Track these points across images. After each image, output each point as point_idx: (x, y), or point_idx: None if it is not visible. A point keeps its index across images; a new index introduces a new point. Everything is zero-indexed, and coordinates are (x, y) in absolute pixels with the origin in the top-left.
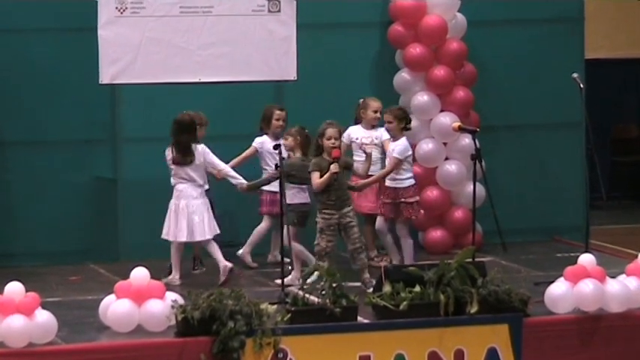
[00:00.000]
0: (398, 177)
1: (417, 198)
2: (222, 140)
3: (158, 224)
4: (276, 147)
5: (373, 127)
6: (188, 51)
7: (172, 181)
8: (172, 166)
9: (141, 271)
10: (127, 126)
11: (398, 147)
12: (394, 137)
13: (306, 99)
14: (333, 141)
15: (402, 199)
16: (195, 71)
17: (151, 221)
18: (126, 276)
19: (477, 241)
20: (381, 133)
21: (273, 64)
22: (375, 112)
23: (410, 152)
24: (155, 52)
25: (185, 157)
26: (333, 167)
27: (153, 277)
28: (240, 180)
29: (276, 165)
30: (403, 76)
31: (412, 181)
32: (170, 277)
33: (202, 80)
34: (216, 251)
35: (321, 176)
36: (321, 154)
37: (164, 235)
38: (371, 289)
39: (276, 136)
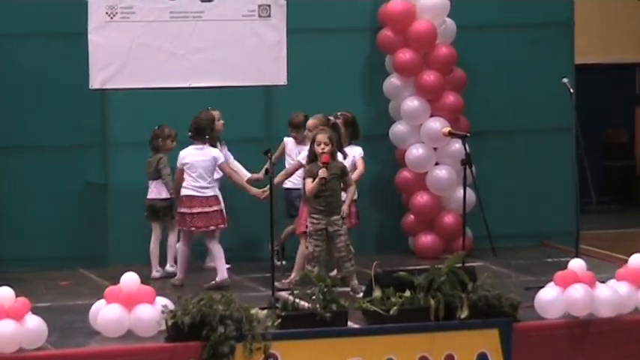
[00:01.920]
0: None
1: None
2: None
3: (148, 229)
4: (266, 152)
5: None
6: (178, 56)
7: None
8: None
9: (131, 276)
10: (117, 131)
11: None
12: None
13: (296, 104)
14: (322, 146)
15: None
16: (185, 76)
17: (141, 226)
18: (116, 281)
19: (467, 246)
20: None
21: (264, 69)
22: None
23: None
24: (145, 57)
25: None
26: (322, 172)
27: (143, 282)
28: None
29: (266, 170)
30: (393, 81)
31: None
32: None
33: (192, 85)
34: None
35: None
36: (315, 160)
37: None
38: (360, 294)
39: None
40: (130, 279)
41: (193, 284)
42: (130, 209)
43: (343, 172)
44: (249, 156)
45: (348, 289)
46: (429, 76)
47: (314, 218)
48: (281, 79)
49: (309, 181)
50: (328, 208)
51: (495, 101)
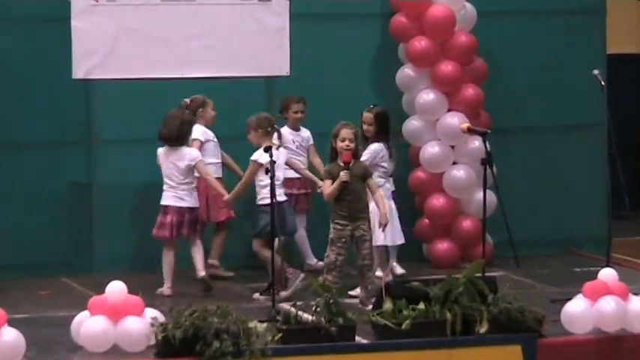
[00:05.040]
0: None
1: None
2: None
3: (137, 234)
4: (267, 149)
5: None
6: (170, 43)
7: (379, 180)
8: (384, 162)
9: (117, 285)
10: (104, 126)
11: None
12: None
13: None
14: (347, 143)
15: None
16: (178, 66)
17: (129, 231)
18: (101, 290)
19: (487, 253)
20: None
21: (264, 58)
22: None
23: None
24: (134, 44)
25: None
26: (343, 175)
27: (131, 292)
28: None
29: (267, 169)
30: (406, 72)
31: None
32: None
33: (186, 76)
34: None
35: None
36: (335, 159)
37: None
38: (369, 307)
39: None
40: (116, 288)
41: (186, 293)
42: (117, 212)
43: (366, 173)
44: (247, 153)
45: (355, 300)
46: (447, 67)
47: (338, 224)
48: (283, 69)
49: (327, 182)
50: (352, 212)
51: (519, 95)
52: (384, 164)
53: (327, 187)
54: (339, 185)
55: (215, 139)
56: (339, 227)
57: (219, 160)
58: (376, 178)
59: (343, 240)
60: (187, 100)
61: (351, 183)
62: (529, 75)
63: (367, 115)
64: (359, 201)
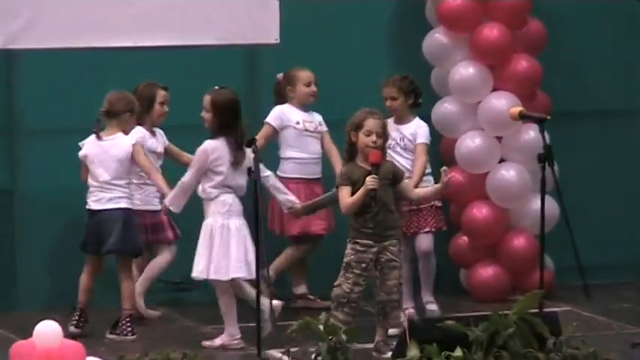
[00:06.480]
0: None
1: None
2: (174, 132)
3: (76, 258)
4: (250, 143)
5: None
6: (120, 2)
7: (212, 191)
8: (222, 168)
9: (49, 326)
10: (30, 113)
11: (421, 129)
12: (400, 119)
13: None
14: (374, 138)
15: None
16: (130, 32)
17: (64, 253)
18: (27, 333)
19: (546, 282)
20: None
21: (246, 21)
22: (309, 85)
23: None
24: (70, 4)
25: (240, 153)
26: (370, 181)
27: (68, 335)
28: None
29: (249, 170)
30: (437, 38)
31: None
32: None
33: (140, 45)
34: None
35: (354, 192)
36: (354, 158)
37: (198, 274)
38: (388, 355)
39: None
40: (48, 330)
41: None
42: (48, 228)
43: (396, 178)
44: None
45: (370, 345)
46: (491, 31)
47: (358, 244)
48: (271, 36)
49: (346, 190)
50: (379, 229)
51: (588, 69)
52: (221, 169)
53: (346, 197)
54: (365, 194)
55: (302, 125)
56: (359, 248)
57: (308, 154)
58: (208, 189)
59: (364, 265)
60: (280, 76)
61: (379, 190)
62: (602, 43)
63: (205, 99)
64: (388, 213)
